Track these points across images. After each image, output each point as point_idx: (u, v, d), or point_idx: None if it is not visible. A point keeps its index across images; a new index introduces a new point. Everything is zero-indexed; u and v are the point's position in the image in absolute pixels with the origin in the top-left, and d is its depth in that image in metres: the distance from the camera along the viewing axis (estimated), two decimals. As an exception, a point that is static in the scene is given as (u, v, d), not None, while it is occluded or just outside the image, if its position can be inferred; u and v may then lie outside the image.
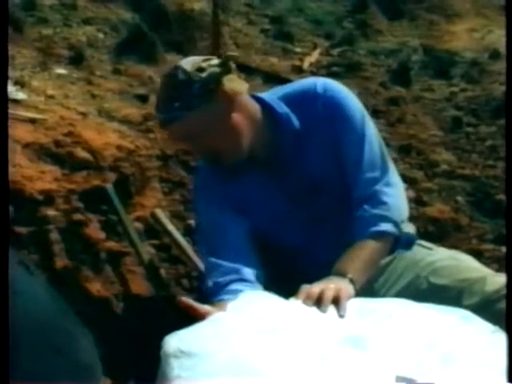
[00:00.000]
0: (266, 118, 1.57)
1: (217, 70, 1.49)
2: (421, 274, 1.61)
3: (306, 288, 1.38)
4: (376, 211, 1.53)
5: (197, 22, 4.61)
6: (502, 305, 1.43)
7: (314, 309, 1.35)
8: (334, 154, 1.59)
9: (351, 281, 1.44)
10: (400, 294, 1.54)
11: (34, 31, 3.76)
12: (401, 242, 1.63)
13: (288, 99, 1.60)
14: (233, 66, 1.52)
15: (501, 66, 4.02)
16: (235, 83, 1.52)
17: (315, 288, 1.37)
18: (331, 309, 1.35)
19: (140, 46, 3.99)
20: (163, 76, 1.55)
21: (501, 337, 1.26)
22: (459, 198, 2.84)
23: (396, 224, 1.55)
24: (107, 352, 1.72)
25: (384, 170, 1.59)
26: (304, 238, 1.62)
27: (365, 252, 1.51)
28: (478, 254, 2.05)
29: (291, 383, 1.13)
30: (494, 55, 4.36)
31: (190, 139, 1.51)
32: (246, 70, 4.26)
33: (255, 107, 1.57)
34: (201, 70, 1.47)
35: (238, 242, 1.57)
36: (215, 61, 1.51)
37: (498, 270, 1.79)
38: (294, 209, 1.62)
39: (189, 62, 1.50)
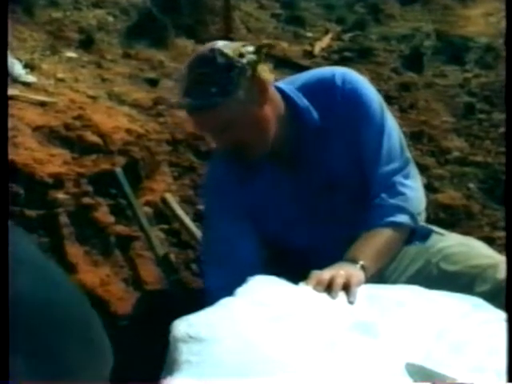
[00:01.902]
0: (288, 111, 1.53)
1: (254, 57, 1.43)
2: (431, 260, 1.59)
3: (316, 274, 1.37)
4: (394, 201, 1.51)
5: (208, 6, 4.58)
6: None
7: (324, 295, 1.34)
8: (352, 148, 1.56)
9: (362, 267, 1.43)
10: (410, 281, 1.53)
11: (44, 14, 3.74)
12: (417, 234, 1.62)
13: (306, 91, 1.55)
14: (264, 54, 1.48)
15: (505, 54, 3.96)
16: (267, 73, 1.47)
17: (326, 274, 1.36)
18: (341, 295, 1.34)
19: (150, 30, 3.97)
20: (195, 59, 1.44)
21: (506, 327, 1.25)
22: (471, 185, 2.82)
23: (413, 216, 1.53)
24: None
25: (403, 162, 1.57)
26: (317, 238, 1.59)
27: (379, 241, 1.49)
28: (490, 241, 2.03)
29: (300, 369, 1.12)
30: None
31: (219, 128, 1.45)
32: (257, 55, 4.24)
33: (280, 99, 1.53)
34: (241, 55, 1.41)
35: (247, 256, 1.53)
36: (251, 48, 1.46)
37: (510, 258, 1.76)
38: (309, 208, 1.59)
39: (227, 46, 1.43)
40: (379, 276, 1.55)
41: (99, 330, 0.90)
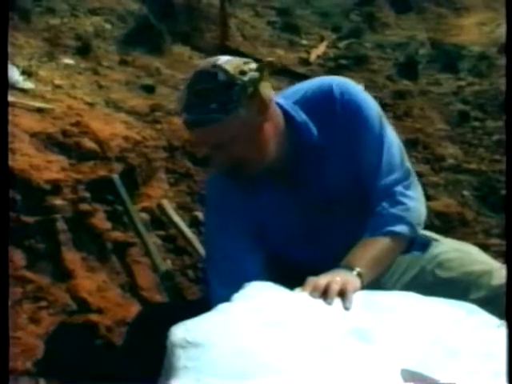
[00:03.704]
0: (287, 126, 1.52)
1: (256, 74, 1.42)
2: (426, 266, 1.60)
3: (312, 280, 1.37)
4: (394, 211, 1.51)
5: (204, 13, 4.60)
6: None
7: (320, 301, 1.35)
8: (351, 161, 1.55)
9: (359, 274, 1.43)
10: (406, 288, 1.53)
11: (41, 21, 3.76)
12: (415, 244, 1.61)
13: (305, 104, 1.54)
14: (267, 72, 1.47)
15: (505, 62, 3.99)
16: (269, 90, 1.47)
17: (322, 280, 1.37)
18: (337, 301, 1.35)
19: (147, 37, 3.99)
20: (197, 74, 1.43)
21: (505, 331, 1.26)
22: (465, 193, 2.84)
23: (412, 226, 1.53)
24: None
25: (404, 173, 1.56)
26: (318, 253, 1.57)
27: (376, 249, 1.49)
28: (484, 249, 2.03)
29: (296, 374, 1.13)
30: (503, 49, 4.33)
31: (218, 145, 1.43)
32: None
33: (280, 115, 1.52)
34: (242, 73, 1.40)
35: (253, 274, 1.50)
36: (253, 65, 1.45)
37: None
38: (310, 223, 1.58)
39: (229, 63, 1.41)
40: (376, 283, 1.56)
41: None
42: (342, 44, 4.65)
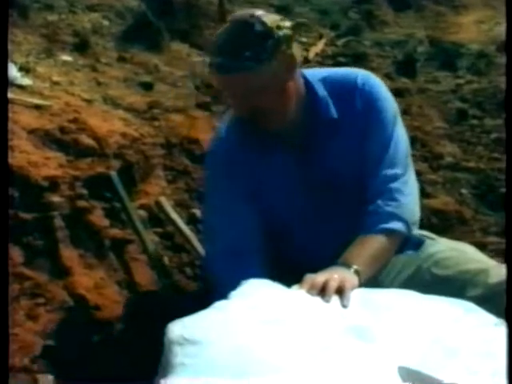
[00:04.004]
0: (307, 97, 1.56)
1: (290, 32, 1.47)
2: (423, 265, 1.61)
3: (310, 277, 1.38)
4: (389, 208, 1.53)
5: (203, 10, 4.59)
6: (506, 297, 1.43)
7: (318, 299, 1.35)
8: (361, 146, 1.58)
9: (356, 272, 1.44)
10: (403, 286, 1.54)
11: (39, 17, 3.74)
12: (410, 243, 1.63)
13: (328, 83, 1.59)
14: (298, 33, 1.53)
15: (505, 59, 3.99)
16: (298, 51, 1.52)
17: (320, 277, 1.37)
18: (335, 299, 1.35)
19: (145, 34, 3.98)
20: (234, 21, 1.47)
21: (503, 330, 1.26)
22: (463, 191, 2.84)
23: (407, 224, 1.55)
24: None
25: (405, 170, 1.60)
26: (318, 227, 1.60)
27: (373, 246, 1.50)
28: (481, 247, 2.04)
29: (294, 372, 1.13)
30: (501, 47, 4.32)
31: (244, 93, 1.46)
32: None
33: (302, 84, 1.56)
34: (279, 27, 1.44)
35: (247, 236, 1.55)
36: (288, 23, 1.49)
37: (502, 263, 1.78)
38: (310, 198, 1.60)
39: (266, 16, 1.45)
40: (373, 281, 1.56)
41: None
42: (340, 42, 4.64)
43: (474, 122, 3.55)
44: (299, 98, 1.54)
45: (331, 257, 1.49)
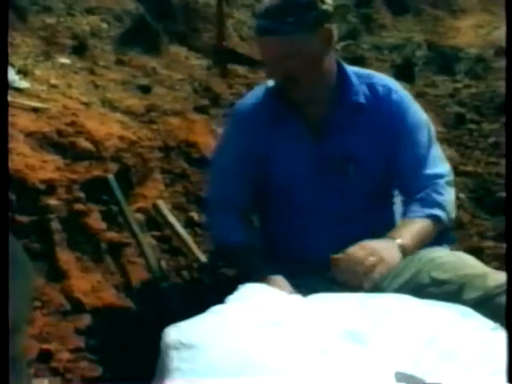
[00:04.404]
0: (338, 78, 1.62)
1: (331, 9, 1.54)
2: (423, 268, 1.62)
3: (353, 248, 1.45)
4: (436, 198, 1.63)
5: (201, 13, 4.59)
6: (503, 300, 1.44)
7: (315, 302, 1.35)
8: (384, 140, 1.64)
9: (401, 247, 1.51)
10: (402, 288, 1.56)
11: (37, 20, 3.74)
12: (447, 238, 1.71)
13: (364, 78, 1.66)
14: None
15: (505, 62, 3.99)
16: (335, 29, 1.58)
17: (361, 251, 1.44)
18: (333, 303, 1.35)
19: (144, 37, 3.98)
20: None
21: (501, 334, 1.26)
22: (461, 195, 2.84)
23: (449, 216, 1.64)
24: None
25: (446, 169, 1.71)
26: (317, 202, 1.65)
27: (419, 226, 1.59)
28: (478, 251, 2.05)
29: (291, 376, 1.13)
30: (499, 52, 4.34)
31: (281, 57, 1.53)
32: (250, 63, 4.25)
33: (335, 65, 1.62)
34: (323, 2, 1.52)
35: (238, 194, 1.67)
36: (331, 1, 1.55)
37: (498, 268, 1.78)
38: (320, 173, 1.64)
39: None
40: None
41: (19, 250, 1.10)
42: (338, 45, 4.65)
43: (472, 126, 3.56)
44: (330, 75, 1.60)
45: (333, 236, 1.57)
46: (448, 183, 1.68)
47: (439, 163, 1.70)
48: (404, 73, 4.15)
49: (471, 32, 4.86)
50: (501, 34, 4.54)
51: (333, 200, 1.64)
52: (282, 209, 1.68)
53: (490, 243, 2.35)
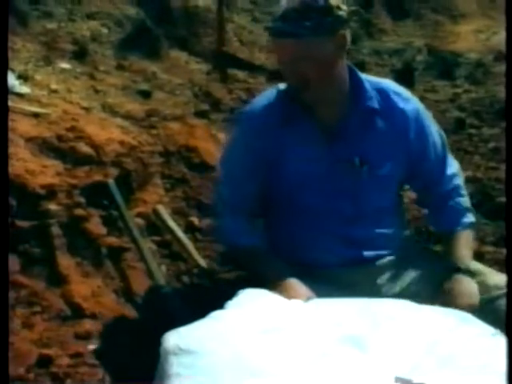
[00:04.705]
0: (351, 83, 1.64)
1: (346, 16, 1.57)
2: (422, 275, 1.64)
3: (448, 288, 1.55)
4: (465, 204, 1.74)
5: (201, 18, 4.61)
6: (502, 301, 1.46)
7: (313, 308, 1.36)
8: (396, 144, 1.66)
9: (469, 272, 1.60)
10: (403, 292, 1.59)
11: (38, 25, 3.76)
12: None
13: (377, 85, 1.68)
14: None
15: (505, 67, 4.00)
16: (349, 35, 1.62)
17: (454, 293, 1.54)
18: (330, 307, 1.35)
19: (144, 42, 4.00)
20: None
21: (501, 340, 1.26)
22: (461, 200, 2.83)
23: (474, 213, 1.77)
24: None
25: (457, 165, 1.79)
26: (327, 204, 1.65)
27: (469, 240, 1.71)
28: (478, 256, 2.05)
29: (290, 381, 1.13)
30: (499, 57, 4.35)
31: (294, 59, 1.55)
32: (250, 68, 4.27)
33: (347, 69, 1.65)
34: (339, 8, 1.55)
35: (245, 198, 1.67)
36: (345, 7, 1.58)
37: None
38: (329, 179, 1.64)
39: None
40: (373, 287, 1.60)
41: None
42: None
43: (472, 131, 3.56)
44: (343, 80, 1.63)
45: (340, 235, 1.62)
46: (461, 178, 1.79)
47: (452, 160, 1.77)
48: (404, 77, 4.16)
49: (471, 37, 4.87)
50: (500, 39, 4.55)
51: (343, 203, 1.64)
52: (289, 211, 1.68)
53: (489, 248, 2.35)
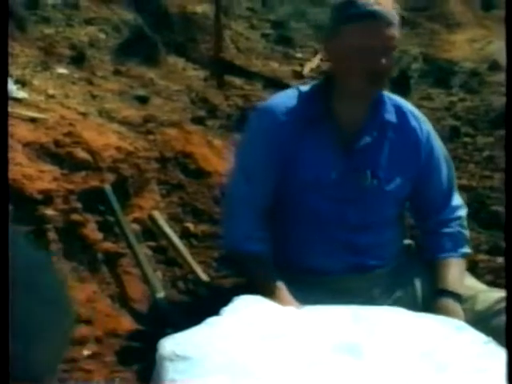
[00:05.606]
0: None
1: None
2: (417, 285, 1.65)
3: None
4: (464, 234, 1.72)
5: (199, 24, 4.62)
6: (494, 321, 1.47)
7: (308, 314, 1.36)
8: (408, 166, 1.66)
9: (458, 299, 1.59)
10: (397, 303, 1.58)
11: (36, 30, 3.76)
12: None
13: (394, 101, 1.68)
14: None
15: (500, 76, 4.04)
16: None
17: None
18: (326, 314, 1.36)
19: (141, 48, 4.01)
20: None
21: (493, 347, 1.27)
22: (455, 208, 2.85)
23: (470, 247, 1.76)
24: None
25: (462, 200, 1.78)
26: (332, 207, 1.63)
27: (463, 270, 1.68)
28: (472, 265, 2.06)
29: (285, 388, 1.14)
30: (494, 66, 4.38)
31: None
32: (247, 74, 4.28)
33: None
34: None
35: (254, 199, 1.64)
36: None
37: (492, 281, 1.80)
38: (339, 186, 1.63)
39: None
40: (368, 296, 1.60)
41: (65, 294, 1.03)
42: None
43: (467, 139, 3.58)
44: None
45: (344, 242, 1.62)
46: (466, 211, 1.75)
47: (458, 194, 1.76)
48: (399, 85, 4.17)
49: (466, 46, 4.90)
50: (495, 48, 4.58)
51: (348, 211, 1.63)
52: (294, 213, 1.66)
53: (483, 257, 2.36)
